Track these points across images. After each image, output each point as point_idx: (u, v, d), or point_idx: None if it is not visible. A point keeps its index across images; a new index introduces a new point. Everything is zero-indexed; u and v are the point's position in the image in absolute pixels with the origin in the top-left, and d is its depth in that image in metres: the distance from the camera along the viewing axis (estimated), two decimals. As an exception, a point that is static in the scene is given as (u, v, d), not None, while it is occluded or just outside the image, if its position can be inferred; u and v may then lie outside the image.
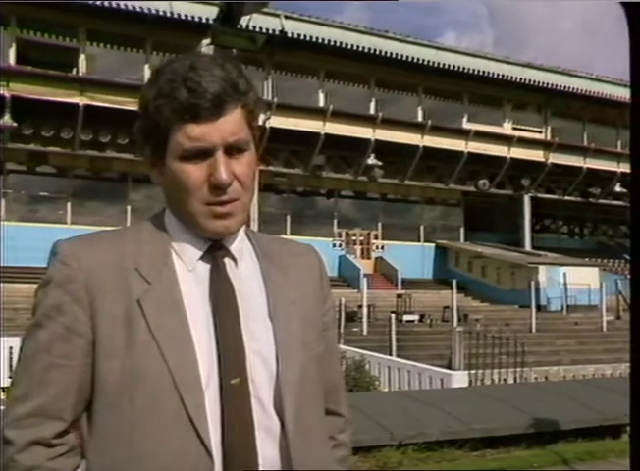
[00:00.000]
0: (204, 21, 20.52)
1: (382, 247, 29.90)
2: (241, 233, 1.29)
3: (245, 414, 1.16)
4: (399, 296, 23.08)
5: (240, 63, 1.25)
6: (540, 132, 31.32)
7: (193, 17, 21.98)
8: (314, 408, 1.26)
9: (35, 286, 1.25)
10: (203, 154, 1.17)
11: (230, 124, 1.17)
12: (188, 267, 1.22)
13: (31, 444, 1.13)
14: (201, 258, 1.23)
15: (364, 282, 21.94)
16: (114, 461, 1.13)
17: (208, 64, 1.18)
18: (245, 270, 1.26)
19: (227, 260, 1.24)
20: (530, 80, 28.50)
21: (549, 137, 31.14)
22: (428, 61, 26.58)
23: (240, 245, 1.28)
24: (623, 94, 27.12)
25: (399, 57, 26.10)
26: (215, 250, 1.24)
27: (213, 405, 1.14)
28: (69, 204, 25.07)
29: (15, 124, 21.44)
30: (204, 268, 1.23)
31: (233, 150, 1.18)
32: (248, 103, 1.21)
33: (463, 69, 27.17)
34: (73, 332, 1.16)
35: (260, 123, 1.27)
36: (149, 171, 1.25)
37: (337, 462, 1.34)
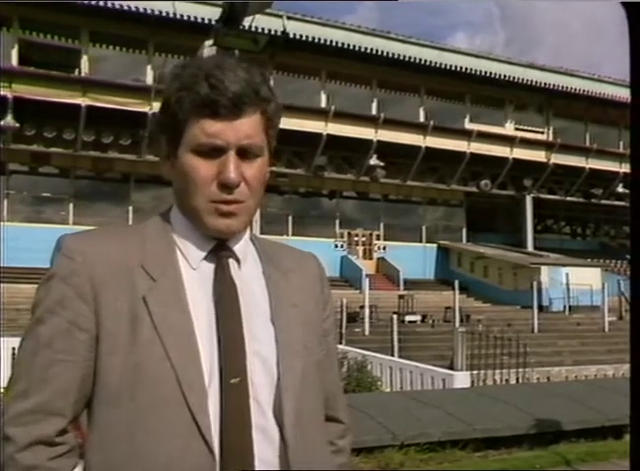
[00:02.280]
0: (207, 21, 20.51)
1: (384, 248, 29.88)
2: (246, 235, 1.29)
3: (243, 414, 1.16)
4: (401, 297, 23.06)
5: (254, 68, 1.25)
6: (542, 133, 31.29)
7: (196, 18, 21.99)
8: (314, 412, 1.26)
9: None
10: (216, 152, 1.17)
11: (246, 126, 1.18)
12: (193, 265, 1.22)
13: (33, 442, 1.12)
14: (206, 257, 1.23)
15: (366, 282, 21.90)
16: (114, 459, 1.13)
17: (234, 65, 1.19)
18: (249, 272, 1.27)
19: (231, 261, 1.25)
20: (532, 81, 28.46)
21: (551, 138, 31.10)
22: (430, 61, 26.56)
23: (244, 247, 1.28)
24: (625, 95, 27.05)
25: (401, 58, 26.09)
26: (220, 250, 1.24)
27: (213, 404, 1.14)
28: (71, 205, 25.08)
29: (17, 124, 21.44)
30: (208, 267, 1.23)
31: (245, 153, 1.19)
32: (268, 110, 1.22)
33: (465, 69, 27.15)
34: (76, 326, 1.16)
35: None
36: (162, 164, 1.26)
37: (337, 467, 1.34)
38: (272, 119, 1.24)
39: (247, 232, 1.29)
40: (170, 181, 1.25)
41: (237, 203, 1.19)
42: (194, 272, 1.22)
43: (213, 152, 1.17)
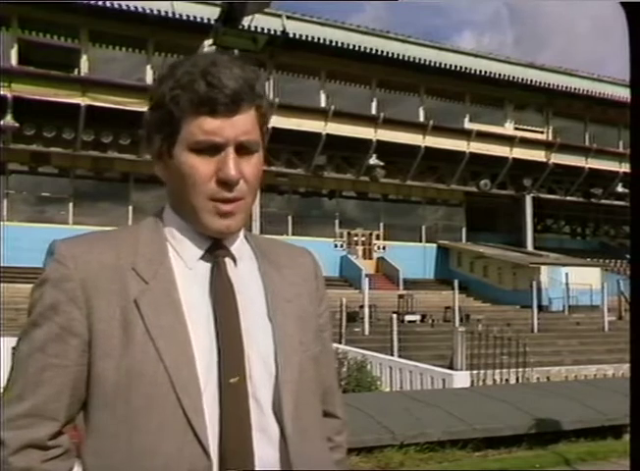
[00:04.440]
0: (206, 21, 20.52)
1: (384, 248, 29.89)
2: (241, 233, 1.29)
3: (243, 414, 1.15)
4: (400, 297, 23.08)
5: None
6: (542, 133, 31.30)
7: (195, 17, 22.00)
8: (312, 409, 1.26)
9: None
10: (214, 149, 1.17)
11: (243, 122, 1.18)
12: (188, 265, 1.21)
13: (25, 446, 1.12)
14: (202, 257, 1.22)
15: (366, 282, 21.91)
16: (110, 462, 1.13)
17: (229, 62, 1.19)
18: (245, 270, 1.26)
19: (227, 260, 1.24)
20: (532, 81, 28.48)
21: (550, 138, 31.11)
22: (430, 61, 26.57)
23: (240, 245, 1.28)
24: (625, 94, 27.06)
25: (400, 57, 26.10)
26: (216, 249, 1.23)
27: (211, 405, 1.13)
28: (71, 205, 25.09)
29: (17, 124, 21.46)
30: (204, 266, 1.22)
31: (243, 149, 1.18)
32: (262, 106, 1.22)
33: (465, 69, 27.16)
34: (68, 331, 1.15)
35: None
36: (154, 163, 1.25)
37: (335, 464, 1.33)
38: (265, 115, 1.24)
39: (242, 229, 1.29)
40: (163, 179, 1.24)
41: (236, 201, 1.18)
42: (190, 272, 1.21)
43: (211, 149, 1.17)
